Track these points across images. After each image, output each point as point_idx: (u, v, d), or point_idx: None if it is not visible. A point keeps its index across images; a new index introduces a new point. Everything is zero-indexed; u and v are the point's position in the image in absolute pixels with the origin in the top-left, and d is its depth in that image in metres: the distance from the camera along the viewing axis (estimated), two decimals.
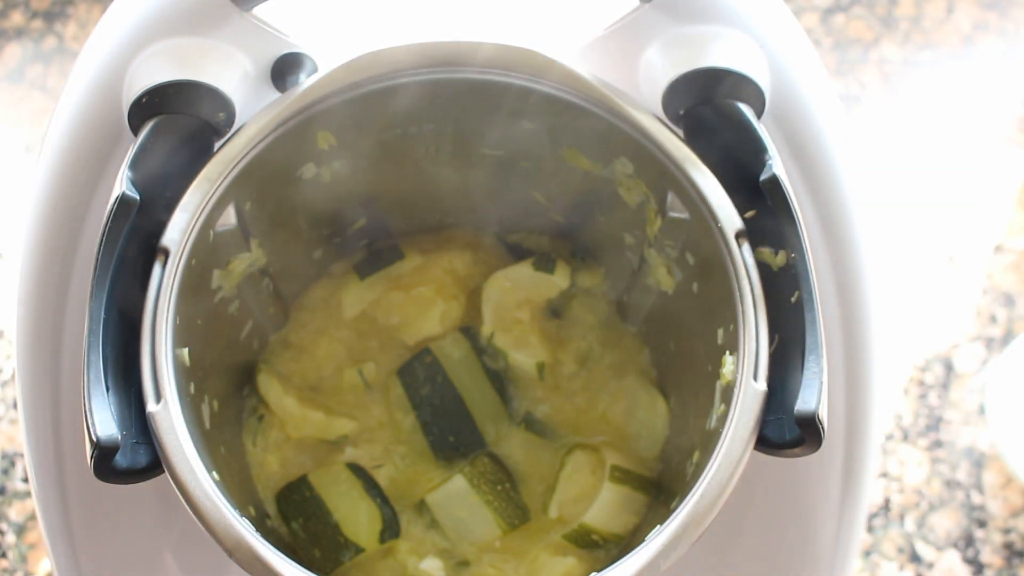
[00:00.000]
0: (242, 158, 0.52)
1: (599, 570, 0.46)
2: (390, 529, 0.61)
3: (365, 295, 0.66)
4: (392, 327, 0.66)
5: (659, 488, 0.61)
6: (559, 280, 0.66)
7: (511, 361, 0.65)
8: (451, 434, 0.63)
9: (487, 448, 0.64)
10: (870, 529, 0.85)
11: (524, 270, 0.66)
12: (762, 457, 0.48)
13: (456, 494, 0.61)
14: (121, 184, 0.49)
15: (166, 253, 0.50)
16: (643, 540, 0.47)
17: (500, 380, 0.65)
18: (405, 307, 0.66)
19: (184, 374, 0.51)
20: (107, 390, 0.46)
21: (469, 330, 0.66)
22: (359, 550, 0.59)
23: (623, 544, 0.61)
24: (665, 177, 0.54)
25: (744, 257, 0.50)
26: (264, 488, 0.62)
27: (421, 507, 0.62)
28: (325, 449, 0.63)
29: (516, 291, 0.66)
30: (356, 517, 0.60)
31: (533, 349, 0.65)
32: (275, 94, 0.56)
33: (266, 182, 0.55)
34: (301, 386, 0.64)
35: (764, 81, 0.54)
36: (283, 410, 0.62)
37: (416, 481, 0.63)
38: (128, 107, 0.53)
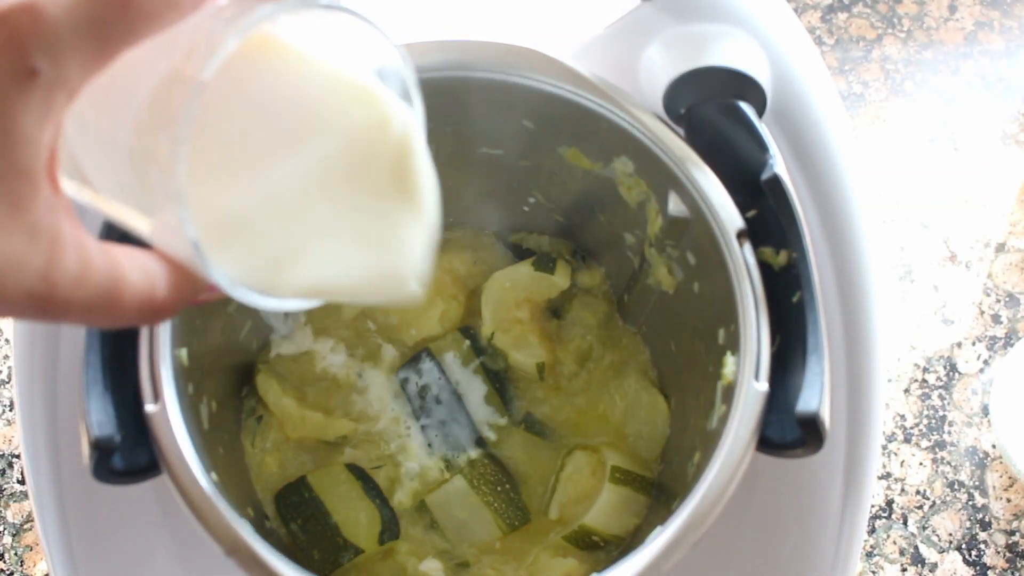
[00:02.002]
0: None
1: (600, 571, 0.46)
2: (389, 530, 0.60)
3: None
4: (392, 327, 0.66)
5: (660, 489, 0.61)
6: (559, 280, 0.65)
7: (511, 361, 0.65)
8: (450, 435, 0.63)
9: (487, 449, 0.63)
10: (872, 530, 0.85)
11: (524, 270, 0.65)
12: (763, 458, 0.48)
13: (456, 495, 0.61)
14: None
15: None
16: (644, 541, 0.47)
17: (500, 380, 0.65)
18: (405, 307, 0.65)
19: (182, 374, 0.50)
20: (105, 391, 0.46)
21: (469, 330, 0.65)
22: (358, 551, 0.59)
23: (624, 545, 0.60)
24: (666, 176, 0.53)
25: (745, 257, 0.50)
26: (263, 489, 0.61)
27: (421, 508, 0.61)
28: (324, 450, 0.63)
29: (516, 291, 0.65)
30: (355, 518, 0.60)
31: (533, 349, 0.64)
32: None
33: None
34: (300, 386, 0.64)
35: (765, 80, 0.54)
36: (282, 410, 0.62)
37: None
38: None
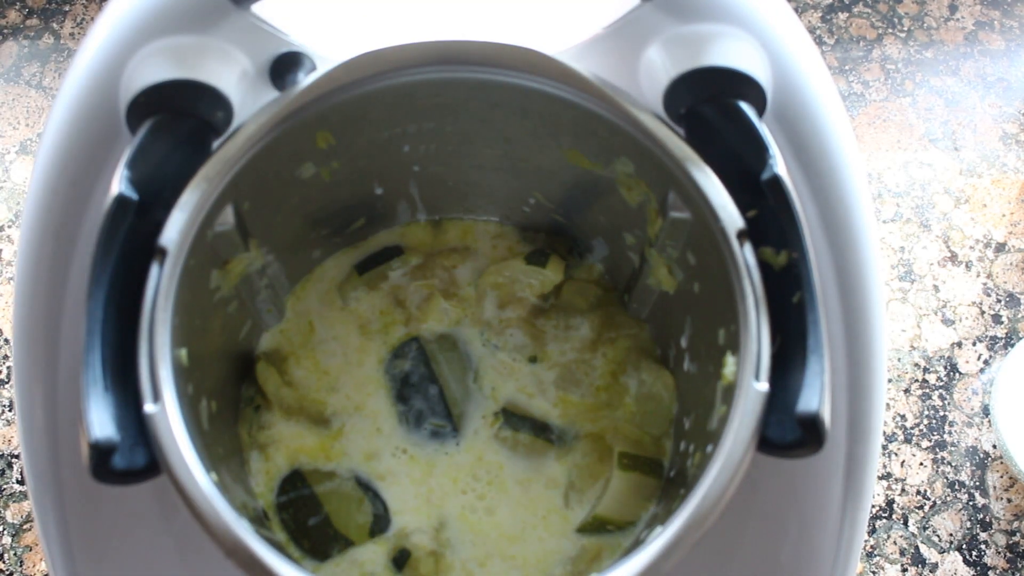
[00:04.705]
0: (240, 157, 0.52)
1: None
2: (380, 523, 0.61)
3: (363, 292, 0.66)
4: (390, 324, 0.66)
5: (668, 481, 0.61)
6: (552, 274, 0.66)
7: (505, 355, 0.65)
8: (440, 428, 0.64)
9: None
10: (872, 531, 0.85)
11: (517, 264, 0.66)
12: (763, 458, 0.48)
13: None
14: (118, 184, 0.48)
15: (164, 253, 0.49)
16: (645, 541, 0.47)
17: (493, 375, 0.65)
18: (404, 305, 0.66)
19: (182, 375, 0.50)
20: (105, 391, 0.46)
21: (462, 324, 0.66)
22: (348, 543, 0.60)
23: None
24: (666, 176, 0.53)
25: (746, 257, 0.50)
26: (258, 482, 0.62)
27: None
28: (319, 441, 0.63)
29: (510, 285, 0.66)
30: (347, 510, 0.60)
31: (527, 342, 0.65)
32: (274, 93, 0.55)
33: (264, 182, 0.55)
34: (299, 378, 0.64)
35: (766, 80, 0.54)
36: (280, 401, 0.62)
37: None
38: (126, 106, 0.52)
